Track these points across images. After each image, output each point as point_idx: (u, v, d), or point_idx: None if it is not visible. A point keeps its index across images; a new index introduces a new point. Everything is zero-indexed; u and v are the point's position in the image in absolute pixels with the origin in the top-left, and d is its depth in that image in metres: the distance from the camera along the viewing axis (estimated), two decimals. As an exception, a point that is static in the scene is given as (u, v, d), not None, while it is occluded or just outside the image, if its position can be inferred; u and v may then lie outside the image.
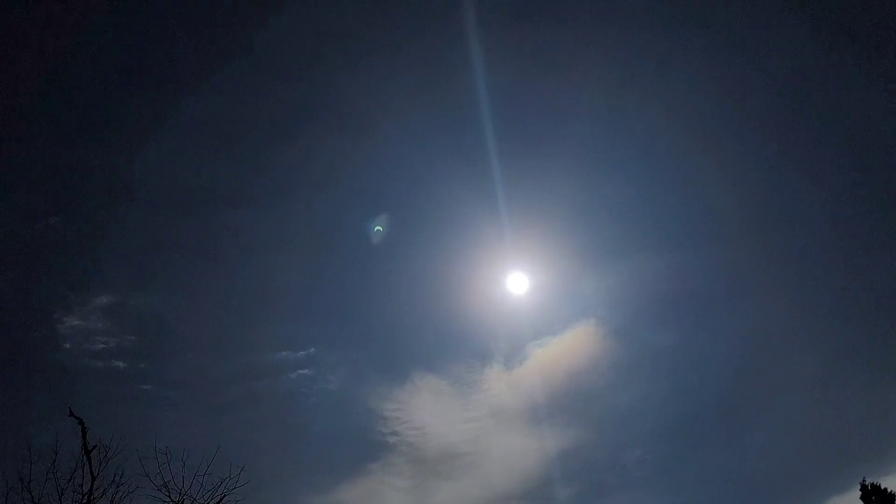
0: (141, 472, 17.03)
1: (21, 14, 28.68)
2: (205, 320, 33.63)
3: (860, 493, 27.64)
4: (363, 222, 35.85)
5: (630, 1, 34.92)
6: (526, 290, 36.61)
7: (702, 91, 36.20)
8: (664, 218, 39.11)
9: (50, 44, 29.61)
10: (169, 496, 17.23)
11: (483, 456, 36.36)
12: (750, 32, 35.35)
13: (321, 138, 35.43)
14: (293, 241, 35.71)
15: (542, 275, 36.16)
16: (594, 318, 38.04)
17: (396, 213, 35.70)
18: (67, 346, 30.13)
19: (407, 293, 37.40)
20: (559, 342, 38.30)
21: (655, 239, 38.91)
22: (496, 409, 37.98)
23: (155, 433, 17.28)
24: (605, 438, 38.15)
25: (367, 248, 36.48)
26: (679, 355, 39.58)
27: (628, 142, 37.00)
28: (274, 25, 33.23)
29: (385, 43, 34.12)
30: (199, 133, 33.25)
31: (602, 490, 36.06)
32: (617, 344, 38.77)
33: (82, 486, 16.60)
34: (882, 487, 27.76)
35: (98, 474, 16.78)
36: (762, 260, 38.15)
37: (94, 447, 16.88)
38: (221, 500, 17.68)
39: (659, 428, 38.32)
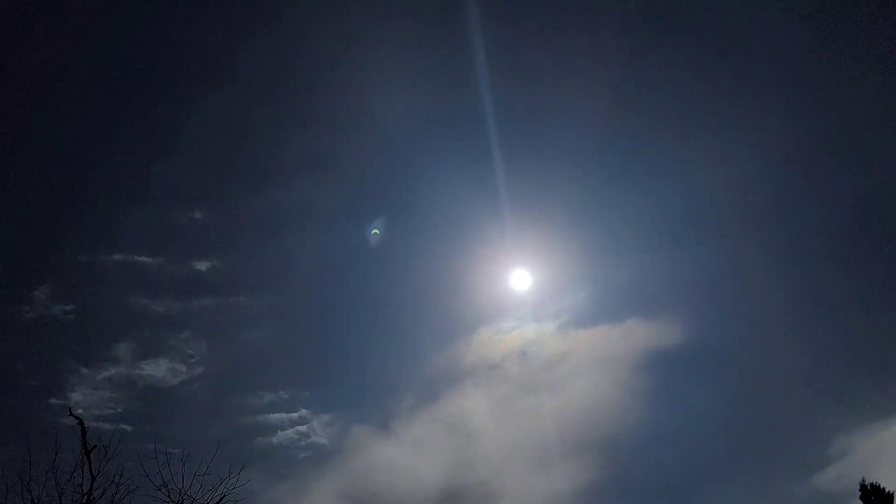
0: (141, 472, 17.10)
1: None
2: (204, 388, 37.77)
3: (859, 493, 27.66)
4: (352, 284, 41.08)
5: (633, 5, 36.52)
6: (528, 286, 37.74)
7: (703, 93, 37.67)
8: (665, 217, 40.26)
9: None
10: (169, 496, 17.22)
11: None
12: (751, 36, 36.81)
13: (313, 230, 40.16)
14: (284, 316, 41.15)
15: (544, 271, 37.39)
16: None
17: (397, 214, 37.82)
18: (80, 411, 33.76)
19: (403, 299, 39.16)
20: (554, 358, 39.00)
21: (656, 238, 40.00)
22: (483, 448, 38.62)
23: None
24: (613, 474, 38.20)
25: (355, 301, 41.74)
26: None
27: (630, 141, 38.38)
28: (271, 38, 35.39)
29: (390, 46, 36.14)
30: (197, 227, 38.62)
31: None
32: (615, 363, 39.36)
33: (82, 486, 16.61)
34: (881, 487, 27.81)
35: (98, 474, 16.79)
36: (764, 260, 39.08)
37: (94, 447, 16.92)
38: (221, 499, 17.67)
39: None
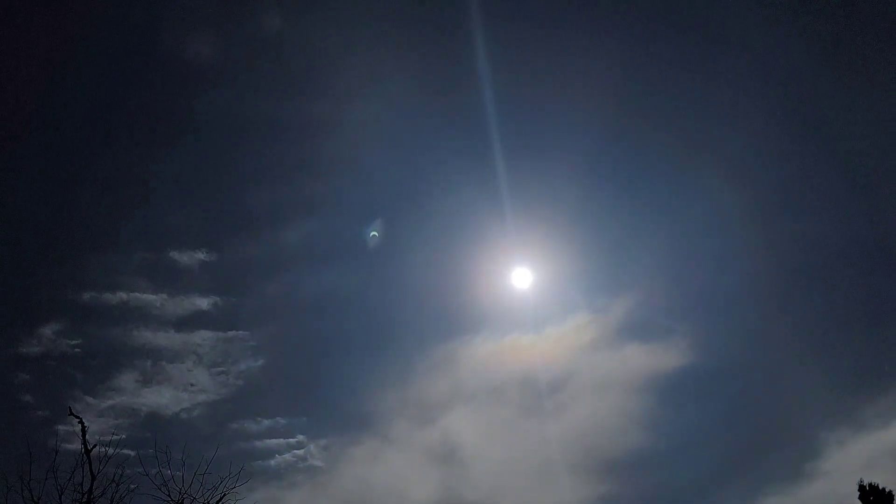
0: (141, 471, 17.16)
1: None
2: (205, 414, 39.07)
3: (858, 493, 27.65)
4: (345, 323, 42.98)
5: (637, 5, 37.56)
6: (529, 284, 38.33)
7: (708, 94, 38.49)
8: (665, 216, 40.90)
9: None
10: (169, 495, 17.24)
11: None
12: (761, 38, 37.54)
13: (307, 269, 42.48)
14: (282, 347, 42.48)
15: (545, 270, 38.07)
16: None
17: (396, 218, 39.13)
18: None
19: (401, 319, 40.45)
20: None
21: (656, 236, 40.63)
22: (479, 471, 38.94)
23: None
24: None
25: (352, 329, 44.07)
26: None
27: (631, 140, 39.09)
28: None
29: (391, 45, 37.87)
30: (199, 267, 40.40)
31: None
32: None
33: (82, 486, 16.62)
34: (880, 487, 27.83)
35: (98, 473, 16.82)
36: (766, 276, 39.58)
37: (94, 446, 17.00)
38: (222, 499, 17.68)
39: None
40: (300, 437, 39.83)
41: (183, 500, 17.33)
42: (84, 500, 16.48)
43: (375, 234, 37.16)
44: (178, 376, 39.53)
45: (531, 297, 39.66)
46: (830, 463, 37.45)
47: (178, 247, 40.01)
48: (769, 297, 41.47)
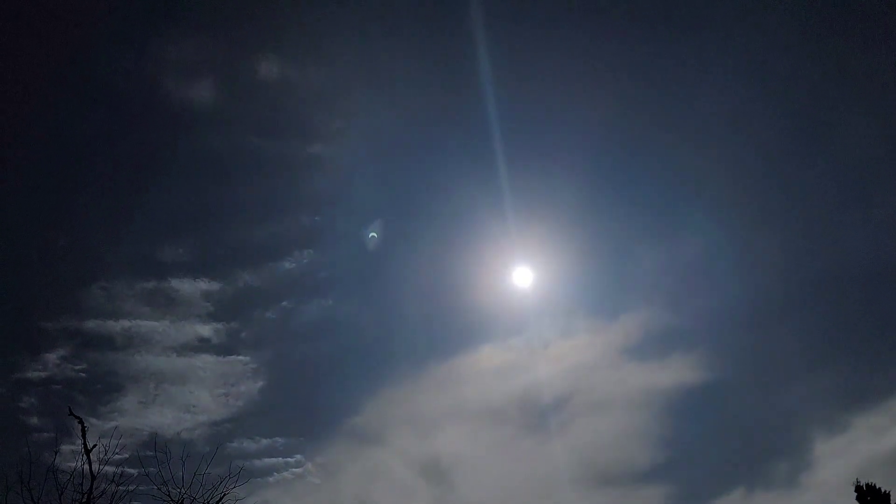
0: (141, 471, 17.16)
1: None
2: (205, 434, 39.46)
3: (855, 493, 27.69)
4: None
5: (636, 8, 38.50)
6: (531, 283, 38.54)
7: (710, 94, 39.14)
8: (665, 215, 41.35)
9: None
10: (169, 495, 17.22)
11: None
12: (757, 38, 38.43)
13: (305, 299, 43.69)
14: (280, 370, 43.46)
15: (547, 276, 38.49)
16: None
17: (396, 223, 40.26)
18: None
19: (399, 338, 41.33)
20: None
21: (656, 235, 41.02)
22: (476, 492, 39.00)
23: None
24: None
25: (350, 349, 45.04)
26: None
27: (633, 142, 39.55)
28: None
29: (393, 45, 39.17)
30: (202, 296, 41.55)
31: None
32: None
33: (82, 486, 16.59)
34: (877, 487, 27.89)
35: (98, 474, 16.82)
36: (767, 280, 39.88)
37: (94, 446, 17.01)
38: (221, 499, 17.67)
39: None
40: (298, 457, 40.61)
41: (183, 501, 17.32)
42: (84, 500, 16.45)
43: (374, 234, 37.75)
44: (179, 398, 40.81)
45: (533, 306, 40.05)
46: (824, 473, 37.78)
47: (180, 276, 41.66)
48: (769, 312, 41.92)
